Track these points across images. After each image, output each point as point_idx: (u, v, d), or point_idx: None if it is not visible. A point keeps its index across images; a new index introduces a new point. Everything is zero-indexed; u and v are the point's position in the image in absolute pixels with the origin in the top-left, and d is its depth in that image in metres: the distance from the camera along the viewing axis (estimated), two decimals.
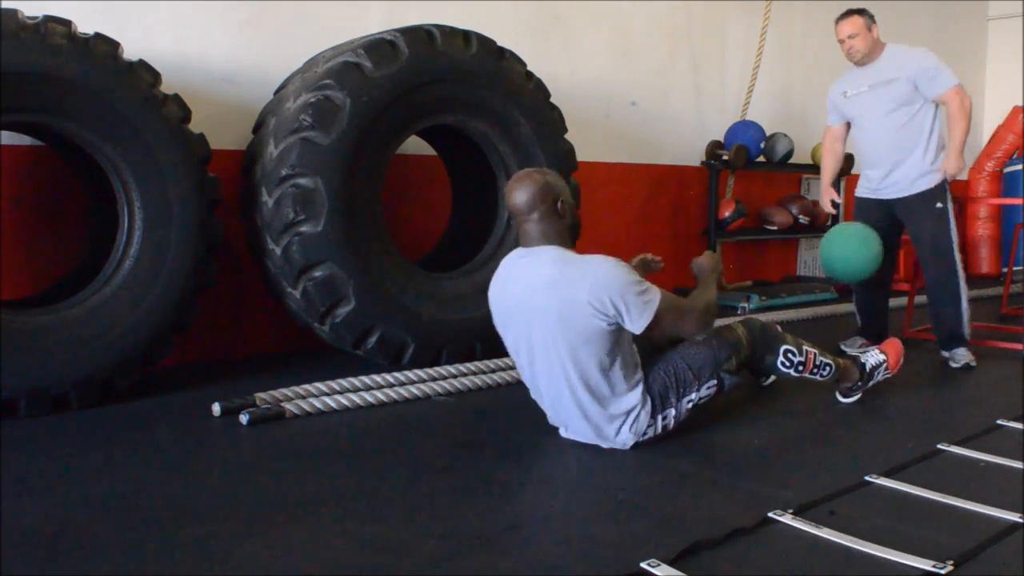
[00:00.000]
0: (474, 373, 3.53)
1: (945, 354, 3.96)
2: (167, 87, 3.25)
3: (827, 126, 4.24)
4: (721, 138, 5.84)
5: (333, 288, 3.39)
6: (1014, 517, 2.07)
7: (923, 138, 3.85)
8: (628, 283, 2.43)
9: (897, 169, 3.90)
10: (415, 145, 4.25)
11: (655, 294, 2.47)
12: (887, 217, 4.00)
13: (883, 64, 3.91)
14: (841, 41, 3.93)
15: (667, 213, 5.78)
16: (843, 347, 4.13)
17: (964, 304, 3.88)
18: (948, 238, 3.86)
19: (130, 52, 3.23)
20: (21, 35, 2.85)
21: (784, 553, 1.91)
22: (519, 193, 2.56)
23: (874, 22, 3.89)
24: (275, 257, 3.43)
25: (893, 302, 5.58)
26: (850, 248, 3.89)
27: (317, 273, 3.37)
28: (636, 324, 2.45)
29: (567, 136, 4.06)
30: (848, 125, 4.13)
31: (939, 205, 3.86)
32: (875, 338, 4.08)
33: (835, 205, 4.24)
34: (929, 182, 3.86)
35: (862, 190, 4.11)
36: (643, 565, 1.80)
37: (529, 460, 2.58)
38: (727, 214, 5.66)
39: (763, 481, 2.36)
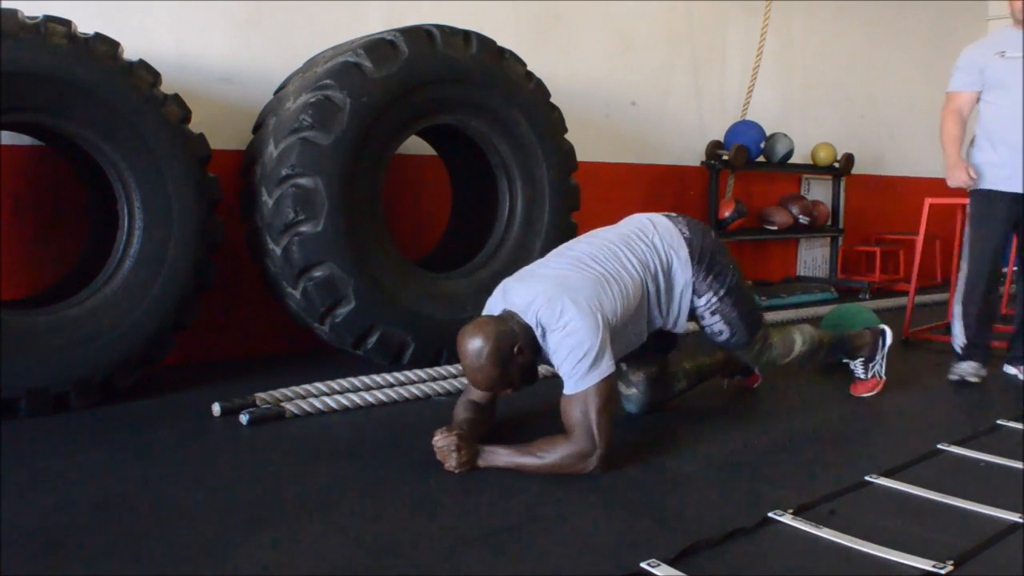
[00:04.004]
0: None
1: (1011, 369, 3.68)
2: (167, 87, 3.25)
3: (952, 91, 3.58)
4: (721, 138, 5.83)
5: (333, 288, 3.39)
6: (1014, 517, 2.07)
7: None
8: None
9: None
10: (415, 145, 4.25)
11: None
12: (1013, 219, 3.51)
13: None
14: None
15: None
16: (967, 378, 3.54)
17: None
18: None
19: (130, 52, 3.23)
20: (21, 35, 2.85)
21: (784, 553, 1.91)
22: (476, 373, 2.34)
23: None
24: (275, 257, 3.43)
25: (894, 302, 5.62)
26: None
27: (317, 273, 3.37)
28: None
29: (567, 136, 4.05)
30: (978, 96, 3.53)
31: None
32: (985, 357, 3.60)
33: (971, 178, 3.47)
34: None
35: (992, 180, 3.48)
36: (643, 565, 1.80)
37: None
38: (727, 214, 5.65)
39: (763, 481, 2.37)
